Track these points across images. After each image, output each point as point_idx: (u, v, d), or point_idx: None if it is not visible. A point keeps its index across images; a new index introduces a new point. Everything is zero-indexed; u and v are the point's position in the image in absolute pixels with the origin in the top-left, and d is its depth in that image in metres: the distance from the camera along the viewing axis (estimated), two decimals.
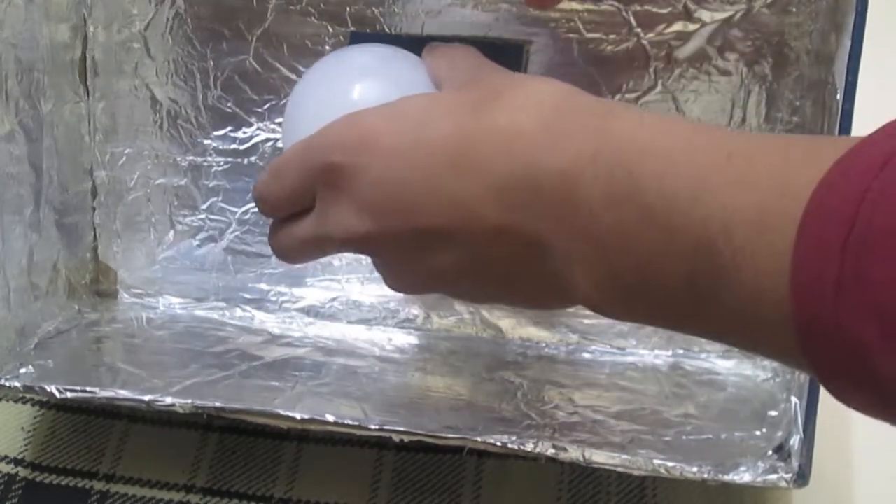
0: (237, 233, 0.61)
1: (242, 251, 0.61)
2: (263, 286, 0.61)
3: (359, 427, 0.48)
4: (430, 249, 0.39)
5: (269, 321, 0.60)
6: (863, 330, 0.27)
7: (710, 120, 0.55)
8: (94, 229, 0.62)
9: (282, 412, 0.48)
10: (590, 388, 0.53)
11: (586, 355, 0.57)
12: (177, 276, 0.62)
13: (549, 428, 0.50)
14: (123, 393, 0.50)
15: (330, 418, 0.48)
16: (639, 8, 0.53)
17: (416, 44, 0.55)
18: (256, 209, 0.59)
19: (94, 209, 0.62)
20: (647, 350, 0.57)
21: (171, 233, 0.62)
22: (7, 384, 0.51)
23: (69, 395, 0.50)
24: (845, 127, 0.46)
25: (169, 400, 0.49)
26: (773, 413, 0.51)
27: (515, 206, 0.36)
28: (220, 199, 0.60)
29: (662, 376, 0.55)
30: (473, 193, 0.37)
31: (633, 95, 0.55)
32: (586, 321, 0.57)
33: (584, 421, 0.50)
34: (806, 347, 0.29)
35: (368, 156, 0.39)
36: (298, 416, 0.48)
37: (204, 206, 0.61)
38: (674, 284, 0.33)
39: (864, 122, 0.33)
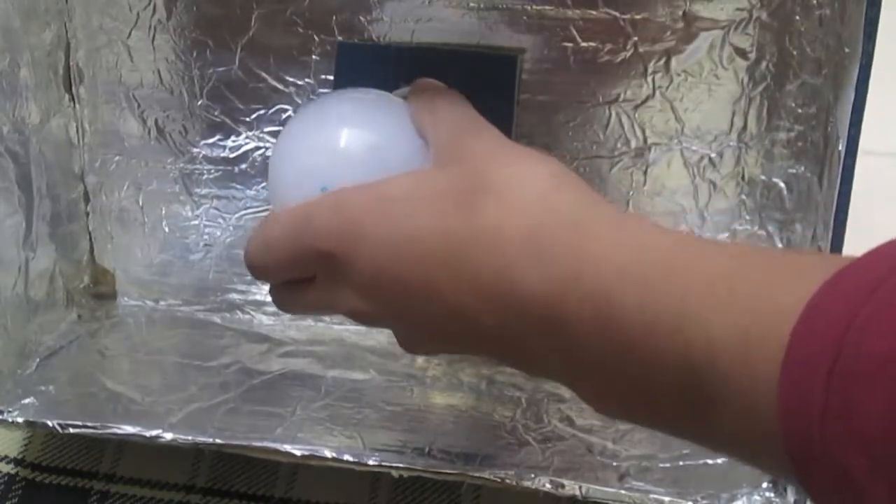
0: (232, 238, 0.60)
1: (237, 255, 0.60)
2: (263, 288, 0.61)
3: (357, 464, 0.48)
4: (433, 333, 0.39)
5: (268, 324, 0.60)
6: (851, 460, 0.27)
7: (711, 128, 0.53)
8: (89, 234, 0.62)
9: (281, 448, 0.49)
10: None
11: None
12: (175, 279, 0.62)
13: (548, 453, 0.50)
14: (126, 428, 0.50)
15: (328, 454, 0.49)
16: (636, 16, 0.51)
17: (405, 53, 0.53)
18: (251, 213, 0.60)
19: (87, 214, 0.61)
20: None
21: (167, 238, 0.61)
22: (10, 419, 0.51)
23: (71, 430, 0.51)
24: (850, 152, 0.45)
25: (170, 436, 0.50)
26: None
27: (509, 319, 0.36)
28: (212, 205, 0.60)
29: None
30: (468, 301, 0.36)
31: (630, 104, 0.53)
32: None
33: (583, 446, 0.50)
34: (798, 470, 0.29)
35: (360, 247, 0.38)
36: (298, 453, 0.49)
37: (197, 212, 0.60)
38: (665, 405, 0.32)
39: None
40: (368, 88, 0.47)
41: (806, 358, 0.28)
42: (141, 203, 0.61)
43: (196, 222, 0.60)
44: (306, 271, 0.41)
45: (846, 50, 0.41)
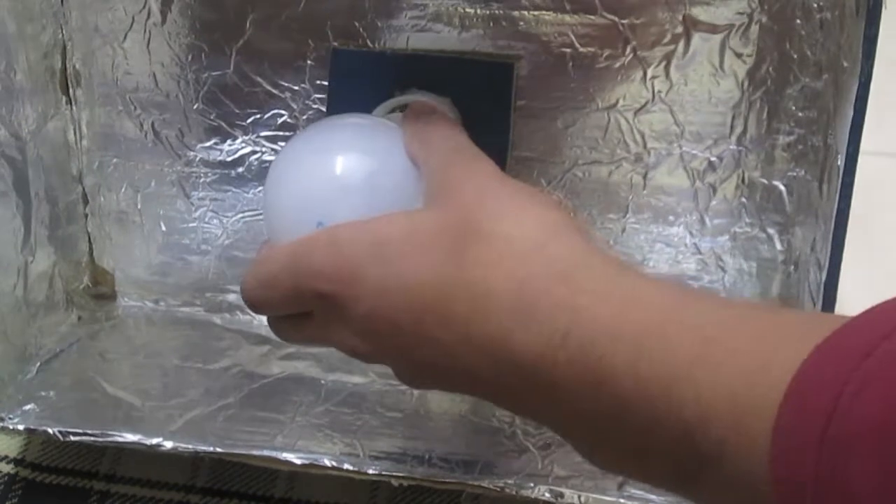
0: (230, 240, 0.60)
1: (235, 257, 0.60)
2: None
3: (357, 472, 0.49)
4: (428, 374, 0.39)
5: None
6: None
7: (711, 132, 0.53)
8: (88, 235, 0.62)
9: (281, 457, 0.49)
10: None
11: None
12: (174, 280, 0.62)
13: (548, 460, 0.50)
14: (127, 436, 0.50)
15: (328, 463, 0.49)
16: (636, 21, 0.51)
17: (400, 59, 0.53)
18: (249, 216, 0.60)
19: (86, 216, 0.61)
20: None
21: (165, 239, 0.61)
22: (11, 426, 0.52)
23: (72, 438, 0.51)
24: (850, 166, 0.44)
25: (170, 445, 0.50)
26: None
27: (501, 371, 0.36)
28: (210, 207, 0.60)
29: None
30: (460, 350, 0.37)
31: (629, 110, 0.53)
32: None
33: None
34: None
35: (356, 289, 0.38)
36: (298, 462, 0.49)
37: (195, 215, 0.60)
38: (658, 463, 0.32)
39: None
40: (363, 113, 0.47)
41: (797, 424, 0.27)
42: (139, 205, 0.60)
43: (194, 224, 0.60)
44: (303, 308, 0.41)
45: (845, 64, 0.41)
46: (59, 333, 0.59)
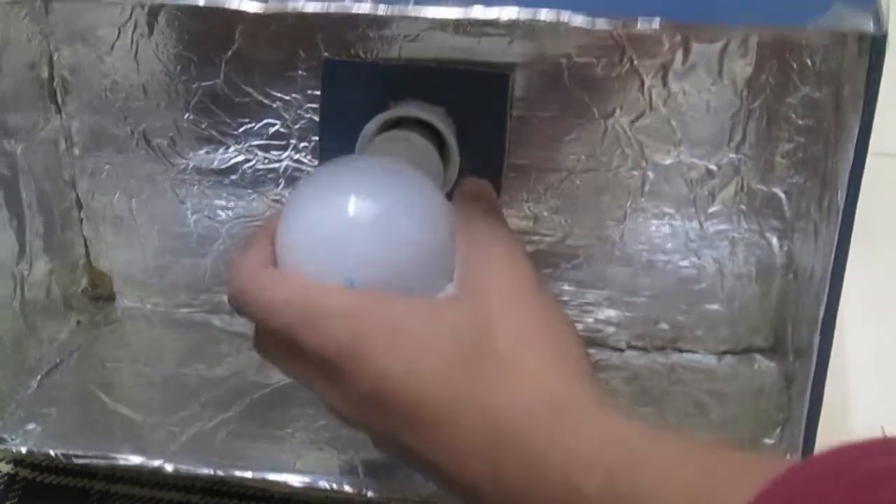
0: (226, 245, 0.60)
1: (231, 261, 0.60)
2: None
3: (357, 494, 0.49)
4: (408, 459, 0.39)
5: None
6: None
7: (709, 141, 0.52)
8: (84, 238, 0.62)
9: (281, 480, 0.50)
10: None
11: None
12: (172, 281, 0.62)
13: None
14: (131, 459, 0.51)
15: (327, 486, 0.49)
16: (633, 30, 0.49)
17: (393, 70, 0.52)
18: (245, 222, 0.59)
19: (81, 220, 0.61)
20: None
21: (161, 243, 0.61)
22: (14, 448, 0.52)
23: (75, 461, 0.51)
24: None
25: (171, 468, 0.50)
26: None
27: (482, 485, 0.36)
28: (205, 213, 0.59)
29: None
30: (443, 458, 0.37)
31: (627, 119, 0.52)
32: None
33: None
34: None
35: (359, 366, 0.38)
36: (299, 485, 0.50)
37: (191, 221, 0.59)
38: None
39: None
40: (404, 162, 0.45)
41: None
42: (134, 209, 0.60)
43: (189, 229, 0.60)
44: (295, 354, 0.41)
45: (847, 106, 0.40)
46: (59, 342, 0.60)
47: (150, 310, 0.62)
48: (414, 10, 0.37)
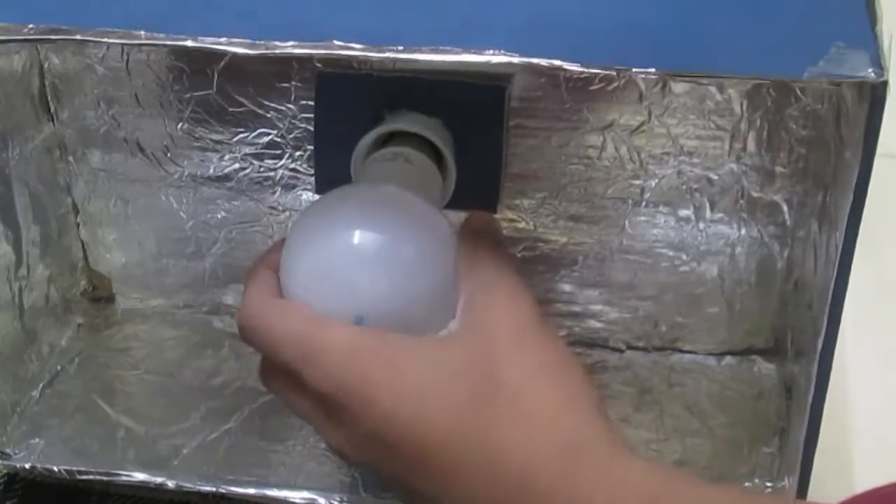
0: (224, 249, 0.60)
1: (230, 264, 0.60)
2: None
3: None
4: (412, 499, 0.39)
5: None
6: None
7: (709, 151, 0.52)
8: (82, 242, 0.61)
9: (282, 496, 0.50)
10: None
11: None
12: (171, 283, 0.62)
13: None
14: (136, 475, 0.52)
15: (326, 503, 0.50)
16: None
17: (387, 82, 0.51)
18: (242, 226, 0.59)
19: (78, 225, 0.61)
20: None
21: (159, 247, 0.61)
22: (18, 465, 0.53)
23: (79, 476, 0.52)
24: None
25: (173, 484, 0.51)
26: None
27: None
28: (201, 219, 0.59)
29: None
30: (459, 499, 0.37)
31: (625, 130, 0.51)
32: None
33: None
34: None
35: (362, 406, 0.38)
36: (300, 500, 0.50)
37: (188, 226, 0.59)
38: None
39: None
40: (413, 194, 0.44)
41: None
42: (130, 214, 0.60)
43: (188, 234, 0.59)
44: (298, 388, 0.40)
45: (846, 156, 0.39)
46: (60, 348, 0.60)
47: (150, 311, 0.62)
48: (403, 55, 0.36)
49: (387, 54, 0.37)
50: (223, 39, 0.38)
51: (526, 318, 0.40)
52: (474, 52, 0.36)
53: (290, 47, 0.37)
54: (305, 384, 0.40)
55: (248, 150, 0.55)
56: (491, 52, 0.36)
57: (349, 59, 0.51)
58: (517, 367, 0.38)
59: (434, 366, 0.38)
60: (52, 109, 0.57)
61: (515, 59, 0.36)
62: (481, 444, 0.37)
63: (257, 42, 0.38)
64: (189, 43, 0.38)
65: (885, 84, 0.34)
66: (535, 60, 0.35)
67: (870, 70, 0.34)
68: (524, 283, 0.41)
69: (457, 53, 0.36)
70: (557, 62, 0.35)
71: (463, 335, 0.40)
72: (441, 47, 0.36)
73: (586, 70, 0.35)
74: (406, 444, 0.37)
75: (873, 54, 0.35)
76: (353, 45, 0.37)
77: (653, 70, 0.35)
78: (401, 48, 0.37)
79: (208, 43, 0.38)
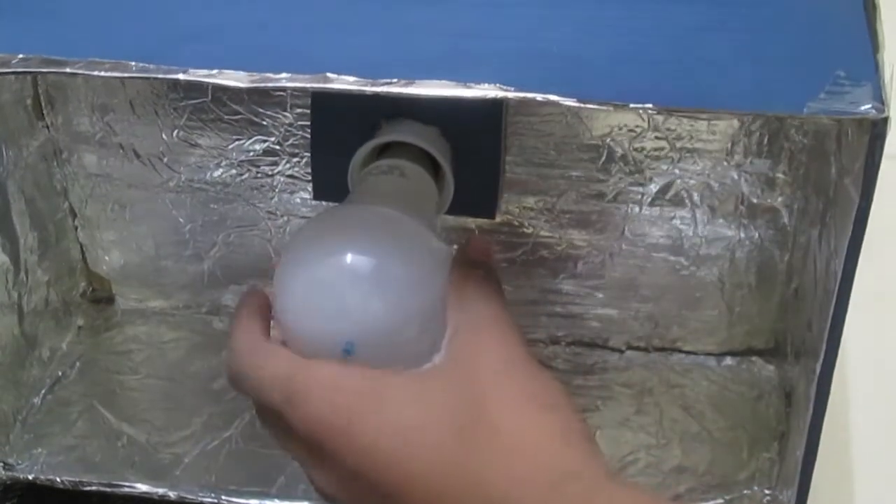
0: (223, 252, 0.60)
1: (229, 266, 0.60)
2: None
3: None
4: None
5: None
6: None
7: (710, 158, 0.51)
8: (80, 245, 0.61)
9: None
10: None
11: None
12: (171, 284, 0.62)
13: None
14: (138, 486, 0.52)
15: None
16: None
17: (382, 97, 0.50)
18: (240, 230, 0.59)
19: (76, 228, 0.61)
20: None
21: (158, 249, 0.61)
22: (21, 476, 0.53)
23: (82, 488, 0.52)
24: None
25: (175, 495, 0.52)
26: None
27: None
28: (199, 224, 0.59)
29: None
30: None
31: (625, 138, 0.51)
32: None
33: None
34: None
35: (348, 445, 0.38)
36: None
37: (186, 229, 0.59)
38: None
39: None
40: (413, 218, 0.43)
41: None
42: (127, 217, 0.60)
43: (186, 237, 0.59)
44: (286, 430, 0.40)
45: (846, 182, 0.39)
46: (61, 352, 0.60)
47: (150, 312, 0.63)
48: (396, 89, 0.36)
49: (381, 88, 0.36)
50: (215, 72, 0.37)
51: (512, 352, 0.39)
52: (469, 87, 0.35)
53: (284, 80, 0.37)
54: (289, 425, 0.40)
55: (244, 156, 0.55)
56: (486, 85, 0.35)
57: None
58: (501, 399, 0.38)
59: (416, 399, 0.38)
60: (47, 116, 0.56)
61: (510, 94, 0.35)
62: (463, 475, 0.36)
63: (251, 74, 0.37)
64: (181, 76, 0.38)
65: (885, 120, 0.33)
66: (530, 95, 0.35)
67: (870, 106, 0.33)
68: (512, 318, 0.41)
69: (451, 87, 0.36)
70: (553, 97, 0.35)
71: (447, 367, 0.39)
72: (435, 81, 0.36)
73: (583, 105, 0.35)
74: (390, 480, 0.37)
75: (875, 86, 0.34)
76: (346, 77, 0.36)
77: (650, 105, 0.34)
78: (394, 81, 0.36)
79: (200, 76, 0.37)
